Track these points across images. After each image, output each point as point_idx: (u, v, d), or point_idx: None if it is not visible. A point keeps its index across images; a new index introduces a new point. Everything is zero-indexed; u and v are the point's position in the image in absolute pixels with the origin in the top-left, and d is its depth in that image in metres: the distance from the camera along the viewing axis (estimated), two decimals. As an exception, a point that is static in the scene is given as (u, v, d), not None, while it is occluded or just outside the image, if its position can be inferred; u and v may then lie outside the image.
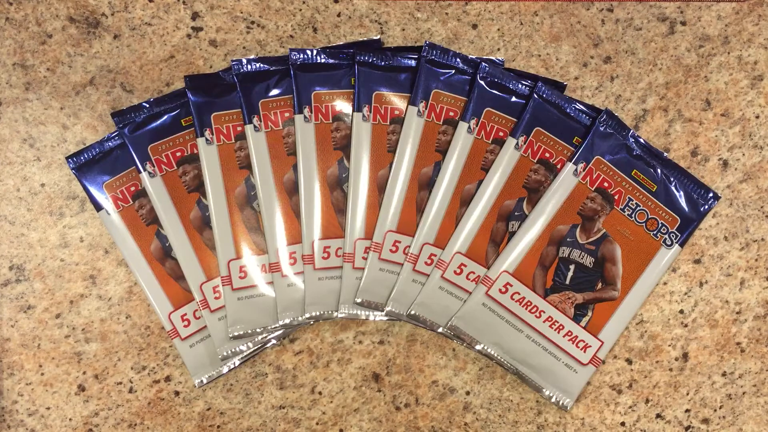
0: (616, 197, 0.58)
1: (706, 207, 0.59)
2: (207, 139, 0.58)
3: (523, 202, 0.58)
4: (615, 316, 0.58)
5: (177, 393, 0.60)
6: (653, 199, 0.58)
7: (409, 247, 0.58)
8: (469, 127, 0.58)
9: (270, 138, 0.59)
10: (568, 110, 0.58)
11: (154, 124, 0.59)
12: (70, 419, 0.60)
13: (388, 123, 0.59)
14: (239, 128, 0.59)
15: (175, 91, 0.60)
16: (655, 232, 0.58)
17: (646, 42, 0.60)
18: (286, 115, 0.59)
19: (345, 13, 0.61)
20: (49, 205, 0.60)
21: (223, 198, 0.58)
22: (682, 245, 0.58)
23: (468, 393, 0.60)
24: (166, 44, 0.60)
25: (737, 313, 0.60)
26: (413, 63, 0.59)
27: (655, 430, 0.60)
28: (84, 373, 0.60)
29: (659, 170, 0.58)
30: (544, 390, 0.58)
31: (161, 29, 0.60)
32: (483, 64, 0.58)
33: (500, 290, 0.57)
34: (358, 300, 0.58)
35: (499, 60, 0.60)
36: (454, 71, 0.59)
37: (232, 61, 0.58)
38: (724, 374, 0.60)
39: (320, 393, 0.60)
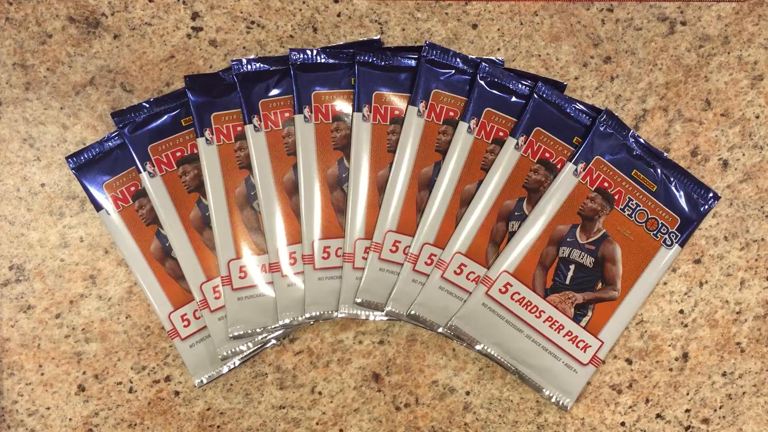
0: (616, 197, 0.58)
1: (706, 207, 0.59)
2: (207, 139, 0.58)
3: (523, 202, 0.58)
4: (615, 316, 0.58)
5: (177, 393, 0.60)
6: (653, 199, 0.58)
7: (409, 247, 0.58)
8: (469, 127, 0.58)
9: (270, 138, 0.59)
10: (568, 110, 0.58)
11: (154, 124, 0.59)
12: (70, 419, 0.60)
13: (388, 123, 0.59)
14: (239, 128, 0.59)
15: (175, 91, 0.60)
16: (655, 232, 0.58)
17: (646, 42, 0.60)
18: (286, 115, 0.59)
19: (345, 13, 0.61)
20: (49, 205, 0.60)
21: (223, 198, 0.58)
22: (682, 245, 0.58)
23: (468, 393, 0.60)
24: (166, 44, 0.60)
25: (737, 313, 0.60)
26: (413, 63, 0.59)
27: (655, 430, 0.60)
28: (84, 373, 0.60)
29: (659, 170, 0.58)
30: (544, 390, 0.58)
31: (161, 29, 0.60)
32: (483, 64, 0.58)
33: (500, 290, 0.57)
34: (358, 300, 0.58)
35: (499, 60, 0.60)
36: (454, 71, 0.59)
37: (232, 61, 0.58)
38: (724, 374, 0.60)
39: (320, 393, 0.60)
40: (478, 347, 0.58)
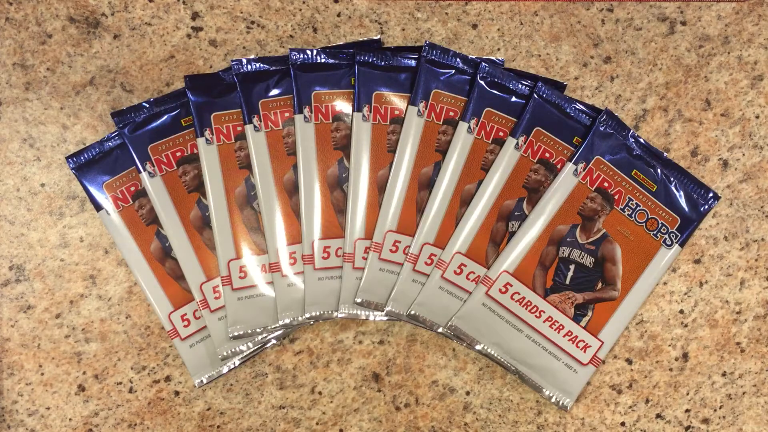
0: (616, 197, 0.58)
1: (706, 207, 0.59)
2: (207, 139, 0.58)
3: (523, 202, 0.58)
4: (615, 316, 0.58)
5: (177, 393, 0.60)
6: (653, 199, 0.58)
7: (409, 247, 0.58)
8: (469, 127, 0.58)
9: (270, 138, 0.59)
10: (568, 110, 0.58)
11: (154, 124, 0.59)
12: (70, 419, 0.60)
13: (388, 123, 0.59)
14: (239, 128, 0.59)
15: (175, 91, 0.60)
16: (655, 232, 0.58)
17: (646, 42, 0.60)
18: (286, 115, 0.59)
19: (345, 13, 0.61)
20: (49, 205, 0.60)
21: (223, 198, 0.58)
22: (682, 245, 0.58)
23: (468, 393, 0.60)
24: (166, 44, 0.60)
25: (737, 313, 0.60)
26: (413, 63, 0.59)
27: (655, 430, 0.60)
28: (84, 373, 0.60)
29: (659, 170, 0.58)
30: (544, 390, 0.58)
31: (161, 29, 0.60)
32: (483, 64, 0.58)
33: (500, 290, 0.57)
34: (358, 300, 0.58)
35: (499, 60, 0.60)
36: (454, 71, 0.59)
37: (232, 61, 0.58)
38: (724, 374, 0.60)
39: (320, 393, 0.60)
40: (478, 347, 0.58)
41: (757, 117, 0.60)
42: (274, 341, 0.59)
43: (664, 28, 0.60)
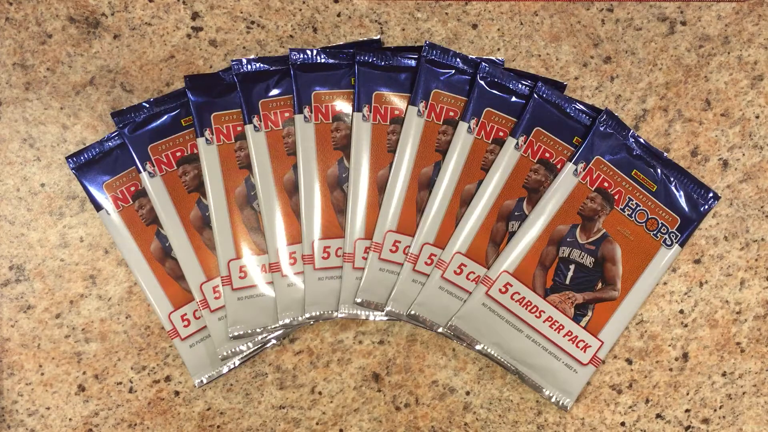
0: (616, 197, 0.58)
1: (706, 207, 0.59)
2: (207, 139, 0.58)
3: (523, 202, 0.58)
4: (615, 316, 0.58)
5: (177, 393, 0.60)
6: (653, 199, 0.58)
7: (409, 247, 0.58)
8: (469, 127, 0.58)
9: (270, 138, 0.59)
10: (568, 110, 0.58)
11: (154, 124, 0.59)
12: (70, 419, 0.60)
13: (388, 123, 0.59)
14: (239, 128, 0.59)
15: (175, 91, 0.60)
16: (655, 232, 0.58)
17: (646, 42, 0.60)
18: (286, 115, 0.59)
19: (345, 13, 0.61)
20: (49, 205, 0.60)
21: (223, 198, 0.58)
22: (682, 245, 0.58)
23: (468, 393, 0.60)
24: (166, 44, 0.60)
25: (737, 313, 0.60)
26: (413, 63, 0.59)
27: (655, 430, 0.60)
28: (84, 373, 0.60)
29: (659, 170, 0.58)
30: (544, 390, 0.58)
31: (161, 29, 0.60)
32: (483, 64, 0.58)
33: (500, 290, 0.57)
34: (358, 300, 0.58)
35: (499, 60, 0.60)
36: (454, 71, 0.59)
37: (232, 61, 0.58)
38: (724, 374, 0.60)
39: (320, 393, 0.60)
40: (478, 347, 0.58)
41: (757, 117, 0.60)
42: (274, 341, 0.59)
43: (664, 28, 0.60)
